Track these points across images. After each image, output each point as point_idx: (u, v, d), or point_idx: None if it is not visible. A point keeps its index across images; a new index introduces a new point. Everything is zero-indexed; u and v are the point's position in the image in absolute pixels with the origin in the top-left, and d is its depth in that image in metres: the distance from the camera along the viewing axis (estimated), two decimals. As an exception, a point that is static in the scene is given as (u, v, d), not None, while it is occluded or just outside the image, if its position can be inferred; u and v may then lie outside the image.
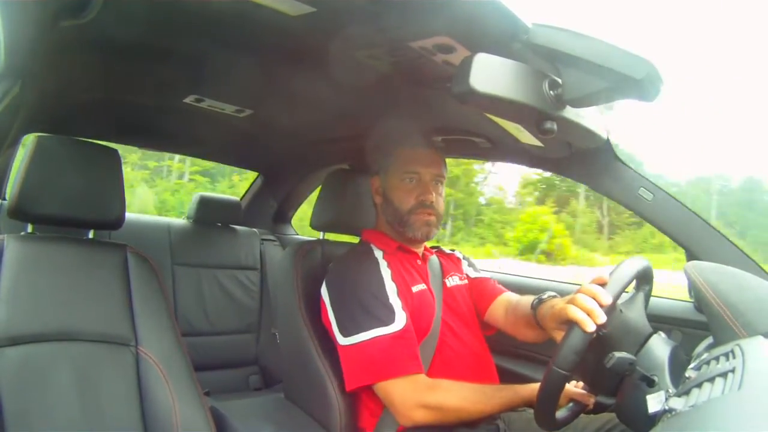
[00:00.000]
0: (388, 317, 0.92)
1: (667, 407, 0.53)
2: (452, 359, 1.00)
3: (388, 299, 0.95)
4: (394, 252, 1.06)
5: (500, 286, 1.16)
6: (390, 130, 1.09)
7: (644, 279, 0.84)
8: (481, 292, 1.14)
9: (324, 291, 1.02)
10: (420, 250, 1.11)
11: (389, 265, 1.01)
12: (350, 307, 0.96)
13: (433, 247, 1.19)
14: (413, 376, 0.90)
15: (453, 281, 1.12)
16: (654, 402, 0.70)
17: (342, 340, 0.94)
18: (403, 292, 0.98)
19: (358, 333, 0.92)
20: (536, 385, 0.83)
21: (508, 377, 1.13)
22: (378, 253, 1.05)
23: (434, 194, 1.03)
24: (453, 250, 1.23)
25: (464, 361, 1.01)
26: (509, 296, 1.12)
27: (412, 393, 0.89)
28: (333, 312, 0.98)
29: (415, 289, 1.02)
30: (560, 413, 0.81)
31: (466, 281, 1.16)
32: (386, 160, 1.06)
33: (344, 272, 1.02)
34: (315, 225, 1.27)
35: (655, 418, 0.65)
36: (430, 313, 1.01)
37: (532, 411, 1.04)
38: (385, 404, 0.92)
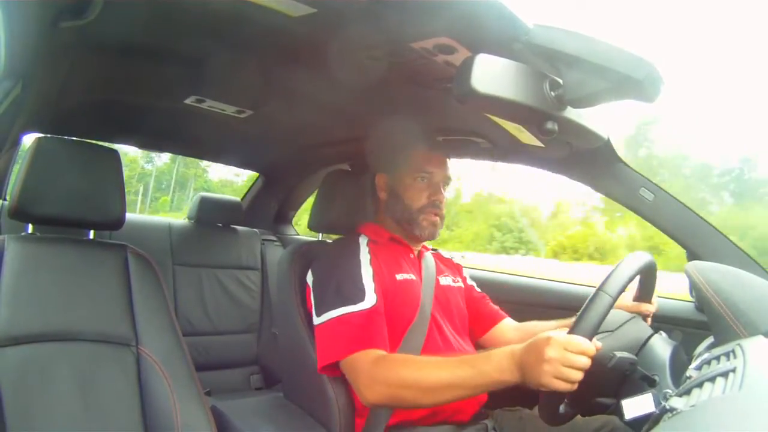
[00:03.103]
0: (357, 296, 0.93)
1: (668, 407, 0.53)
2: (439, 355, 0.99)
3: (360, 280, 0.95)
4: (385, 243, 1.07)
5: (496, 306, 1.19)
6: (404, 129, 1.10)
7: (648, 274, 0.84)
8: (479, 309, 1.16)
9: (309, 277, 1.04)
10: (416, 247, 1.12)
11: (371, 252, 1.02)
12: (325, 288, 0.97)
13: (432, 249, 1.20)
14: (368, 350, 0.88)
15: (446, 281, 1.12)
16: (630, 408, 0.70)
17: (315, 320, 0.96)
18: (381, 277, 0.99)
19: (327, 311, 0.93)
20: (510, 349, 0.76)
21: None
22: (363, 241, 1.06)
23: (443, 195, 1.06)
24: (452, 256, 1.24)
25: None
26: (510, 320, 1.16)
27: (366, 367, 0.86)
28: (313, 295, 1.00)
29: (399, 276, 1.02)
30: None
31: (461, 285, 1.16)
32: (397, 159, 1.08)
33: (325, 258, 1.05)
34: (313, 226, 1.27)
35: (651, 419, 0.65)
36: (415, 302, 1.01)
37: (524, 410, 1.05)
38: (351, 383, 0.91)
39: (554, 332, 0.71)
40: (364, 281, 0.95)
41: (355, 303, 0.92)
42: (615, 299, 0.71)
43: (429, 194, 1.05)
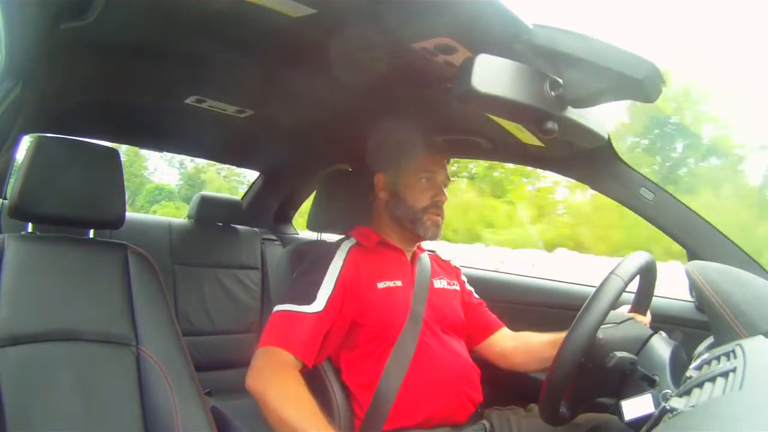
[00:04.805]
0: (306, 299, 0.93)
1: (668, 407, 0.53)
2: (432, 359, 0.99)
3: (318, 286, 0.95)
4: (373, 246, 1.07)
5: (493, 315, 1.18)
6: (407, 129, 1.10)
7: (648, 274, 0.84)
8: (476, 317, 1.15)
9: None
10: (410, 250, 1.11)
11: (349, 257, 1.01)
12: (287, 288, 1.00)
13: (429, 251, 1.19)
14: (284, 351, 0.88)
15: (441, 284, 1.11)
16: (630, 409, 0.70)
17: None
18: (352, 287, 0.98)
19: (276, 306, 0.95)
20: None
21: (507, 375, 1.13)
22: (346, 246, 1.05)
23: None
24: (451, 259, 1.24)
25: (445, 362, 1.00)
26: (507, 330, 1.16)
27: (268, 363, 0.87)
28: None
29: (381, 284, 1.01)
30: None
31: (456, 288, 1.15)
32: (399, 159, 1.08)
33: (304, 263, 1.05)
34: (311, 226, 1.27)
35: (651, 419, 0.65)
36: (402, 308, 1.00)
37: (518, 408, 1.05)
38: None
39: None
40: (321, 287, 0.95)
41: (300, 304, 0.92)
42: (627, 284, 0.72)
43: (432, 195, 1.05)
